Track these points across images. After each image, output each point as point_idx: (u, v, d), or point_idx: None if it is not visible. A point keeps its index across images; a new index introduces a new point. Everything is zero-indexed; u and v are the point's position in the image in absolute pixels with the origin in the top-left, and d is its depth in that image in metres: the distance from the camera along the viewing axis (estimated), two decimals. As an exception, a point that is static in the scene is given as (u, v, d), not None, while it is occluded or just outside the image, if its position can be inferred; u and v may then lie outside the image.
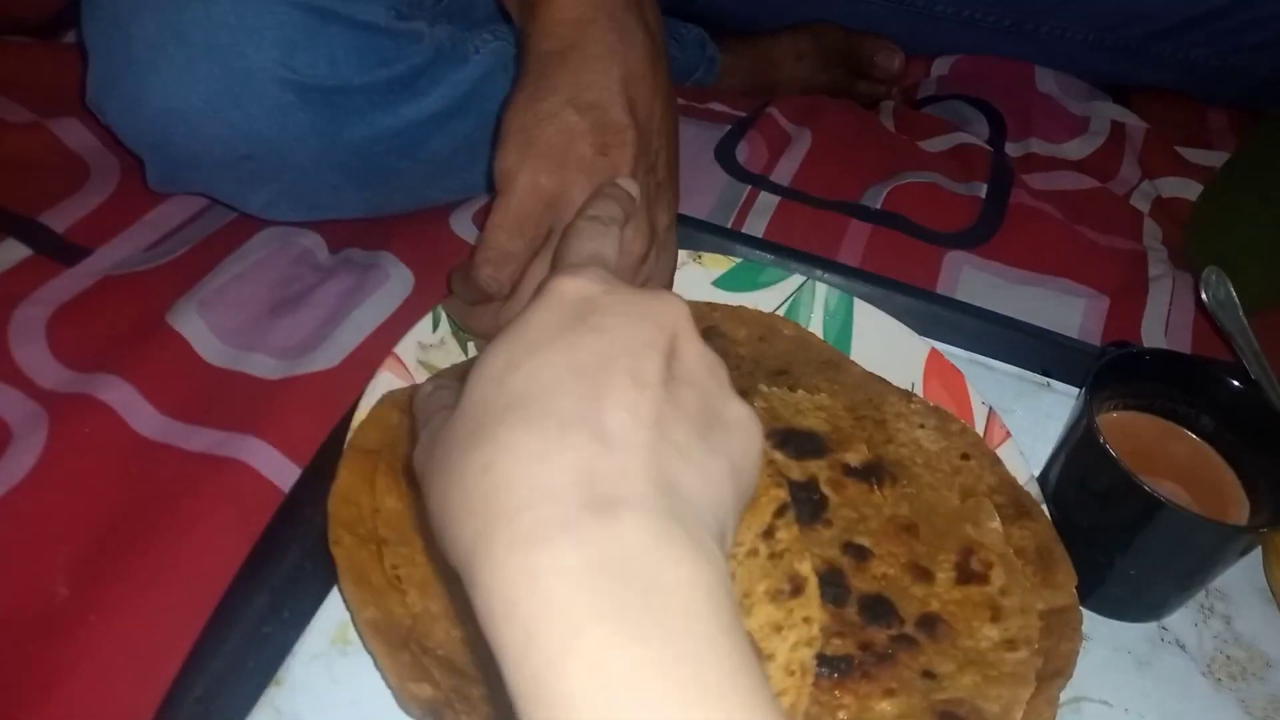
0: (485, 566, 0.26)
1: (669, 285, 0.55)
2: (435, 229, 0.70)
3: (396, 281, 0.65)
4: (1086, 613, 0.49)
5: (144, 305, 0.62)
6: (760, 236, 0.74)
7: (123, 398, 0.56)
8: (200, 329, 0.60)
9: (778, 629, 0.38)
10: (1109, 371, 0.52)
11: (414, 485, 0.34)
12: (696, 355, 0.32)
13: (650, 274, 0.51)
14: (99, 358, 0.58)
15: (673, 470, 0.28)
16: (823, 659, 0.43)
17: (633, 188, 0.47)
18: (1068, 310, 0.74)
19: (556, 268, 0.37)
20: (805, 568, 0.39)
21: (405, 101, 0.61)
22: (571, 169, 0.47)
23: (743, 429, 0.32)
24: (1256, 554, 0.56)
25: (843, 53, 0.96)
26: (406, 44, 0.60)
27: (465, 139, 0.66)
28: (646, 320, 0.31)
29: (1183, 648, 0.53)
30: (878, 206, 0.80)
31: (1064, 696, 0.44)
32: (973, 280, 0.75)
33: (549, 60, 0.48)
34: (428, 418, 0.35)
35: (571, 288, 0.32)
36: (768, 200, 0.79)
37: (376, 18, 0.58)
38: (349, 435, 0.49)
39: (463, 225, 0.71)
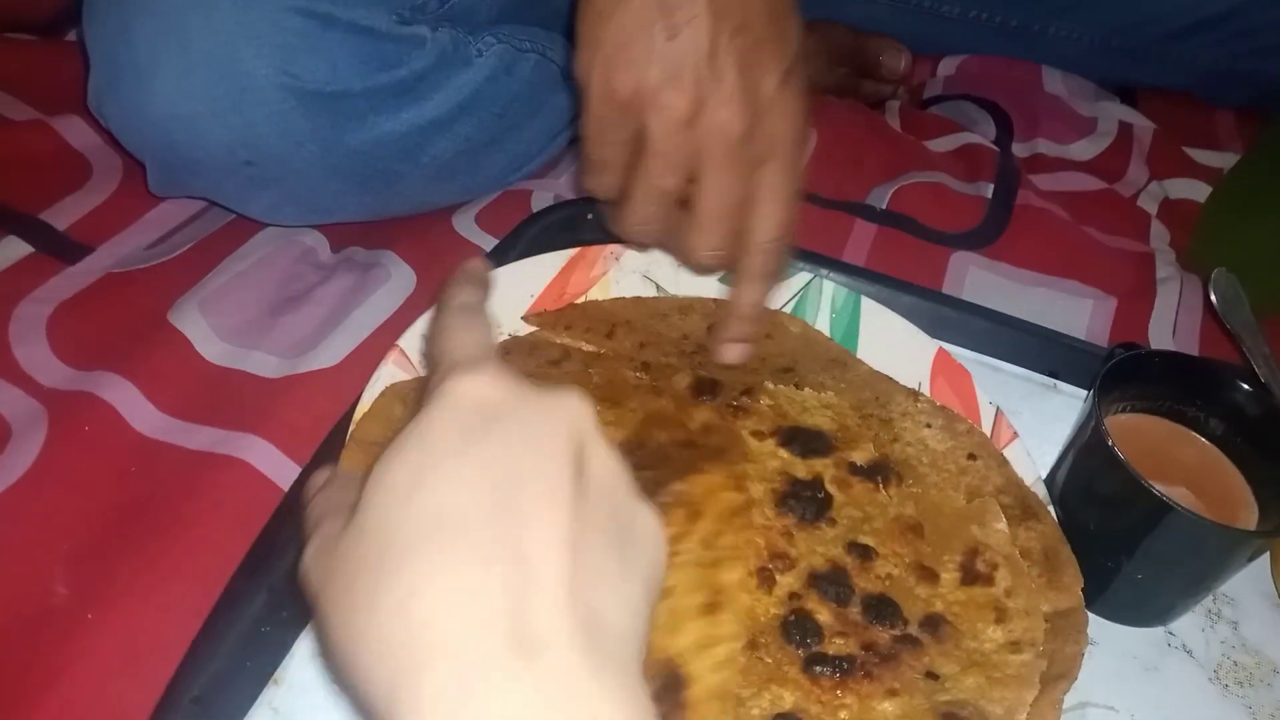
0: (410, 714, 0.25)
1: (797, 156, 0.49)
2: (438, 228, 0.70)
3: (398, 281, 0.65)
4: (1092, 617, 0.48)
5: (145, 303, 0.62)
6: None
7: (123, 396, 0.56)
8: (201, 327, 0.60)
9: (703, 647, 0.37)
10: (1117, 373, 0.52)
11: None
12: (603, 461, 0.30)
13: (767, 149, 0.47)
14: (100, 356, 0.58)
15: (593, 599, 0.27)
16: (825, 658, 0.43)
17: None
18: (1075, 311, 0.73)
19: (441, 365, 0.34)
20: (730, 577, 0.38)
21: (407, 106, 0.61)
22: (642, 63, 0.45)
23: (650, 539, 0.31)
24: (1264, 559, 0.55)
25: (849, 52, 0.96)
26: (408, 48, 0.60)
27: (467, 142, 0.65)
28: (552, 427, 0.29)
29: (1189, 653, 0.52)
30: (884, 206, 0.79)
31: (1069, 702, 0.44)
32: (979, 281, 0.75)
33: None
34: (318, 519, 0.33)
35: (470, 390, 0.30)
36: (773, 200, 0.78)
37: (378, 23, 0.58)
38: (350, 428, 0.48)
39: (465, 225, 0.70)
